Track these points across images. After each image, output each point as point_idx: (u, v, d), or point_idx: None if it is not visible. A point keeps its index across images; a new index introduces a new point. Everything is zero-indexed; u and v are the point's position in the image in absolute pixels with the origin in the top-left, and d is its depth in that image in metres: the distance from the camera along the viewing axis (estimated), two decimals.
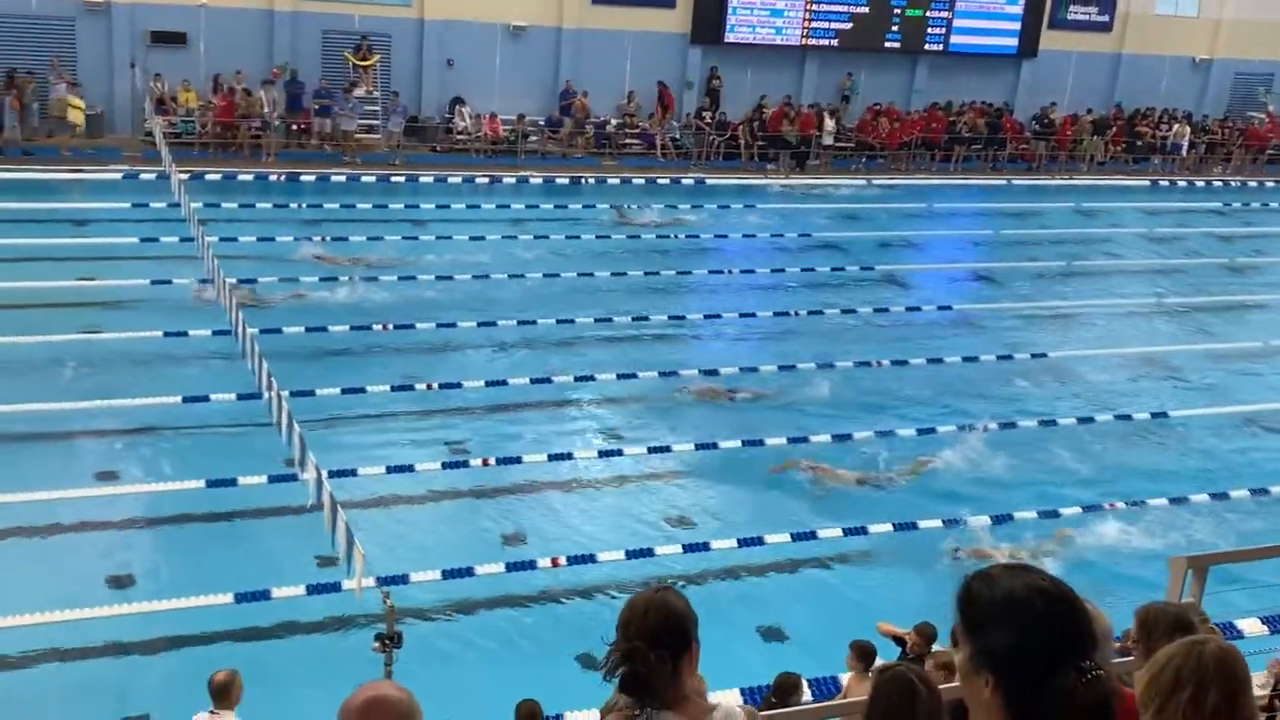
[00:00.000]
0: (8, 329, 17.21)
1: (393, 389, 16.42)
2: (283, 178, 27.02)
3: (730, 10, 33.53)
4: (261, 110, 28.28)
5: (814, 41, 34.68)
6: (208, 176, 25.62)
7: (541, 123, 31.76)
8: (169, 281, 19.47)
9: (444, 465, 14.58)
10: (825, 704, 8.44)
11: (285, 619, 11.23)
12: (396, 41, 30.70)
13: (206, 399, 15.49)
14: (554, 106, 32.13)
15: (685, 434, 15.98)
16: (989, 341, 20.88)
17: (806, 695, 9.08)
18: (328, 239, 22.77)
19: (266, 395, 13.48)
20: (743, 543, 13.12)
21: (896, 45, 35.60)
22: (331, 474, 11.34)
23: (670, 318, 20.75)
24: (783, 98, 33.83)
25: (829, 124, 33.42)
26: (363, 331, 18.47)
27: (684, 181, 30.48)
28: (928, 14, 35.49)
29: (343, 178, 27.34)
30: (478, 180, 28.65)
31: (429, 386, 16.66)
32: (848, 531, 13.55)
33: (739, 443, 15.65)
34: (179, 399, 15.47)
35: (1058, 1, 37.24)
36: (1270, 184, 36.12)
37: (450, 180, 28.31)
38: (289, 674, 9.92)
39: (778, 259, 24.88)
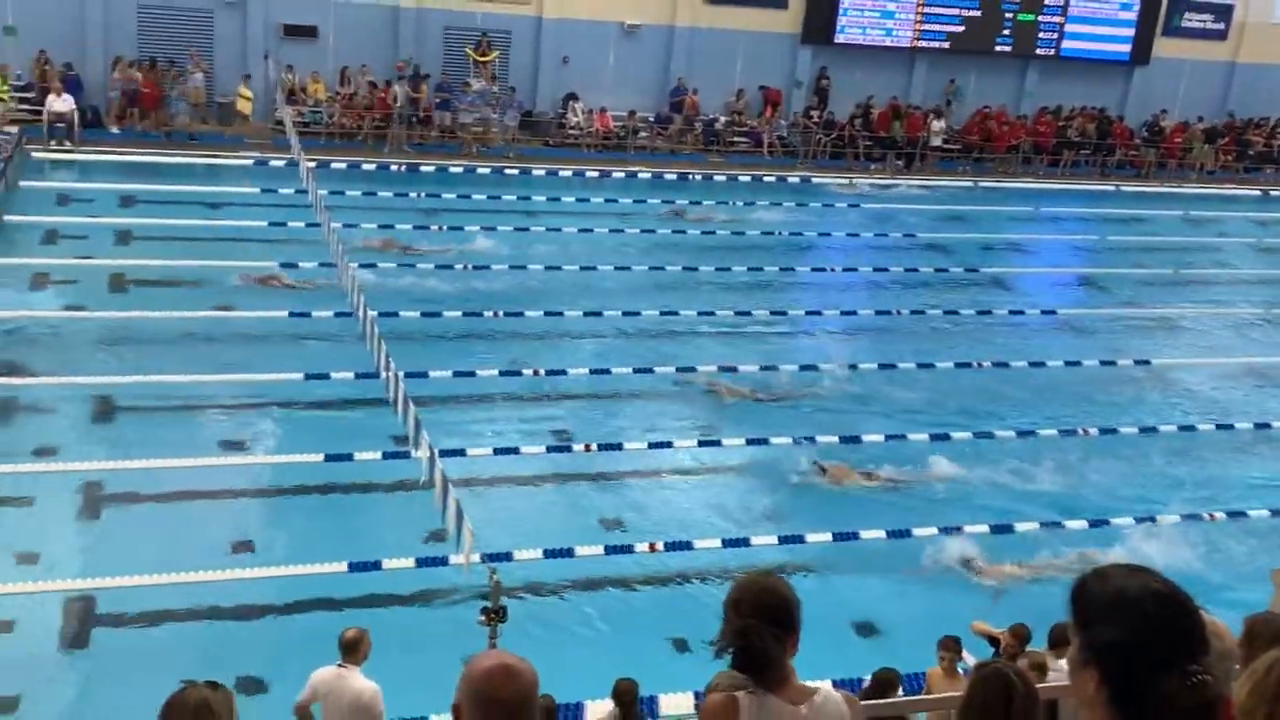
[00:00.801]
0: (146, 304, 17.84)
1: (501, 373, 16.63)
2: (403, 168, 27.50)
3: (841, 11, 33.21)
4: (395, 104, 28.76)
5: (924, 44, 34.18)
6: (333, 165, 26.19)
7: (651, 119, 31.84)
8: (295, 265, 19.97)
9: (548, 449, 14.73)
10: (920, 698, 8.35)
11: (394, 590, 11.46)
12: (515, 38, 31.02)
13: (327, 377, 15.84)
14: (664, 103, 32.18)
15: (783, 428, 15.89)
16: (1092, 346, 20.41)
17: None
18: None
19: (384, 375, 13.77)
20: (838, 537, 13.04)
21: (1008, 49, 34.91)
22: (442, 453, 11.53)
23: (772, 313, 20.66)
24: (890, 98, 33.43)
25: (937, 125, 32.93)
26: (475, 318, 18.74)
27: (789, 179, 30.30)
28: (1039, 18, 34.74)
29: (459, 169, 27.74)
30: (588, 174, 28.83)
31: (536, 372, 16.84)
32: (943, 530, 13.37)
33: (836, 439, 15.53)
34: (301, 376, 15.86)
35: (1172, 9, 36.15)
36: None
37: (561, 174, 28.54)
38: (398, 641, 10.10)
39: (881, 258, 24.62)
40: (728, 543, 12.80)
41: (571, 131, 30.96)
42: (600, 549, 12.50)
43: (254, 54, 28.78)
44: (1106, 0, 35.17)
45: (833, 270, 23.82)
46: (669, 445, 15.02)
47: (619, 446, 14.82)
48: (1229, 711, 3.09)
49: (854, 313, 21.18)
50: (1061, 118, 34.75)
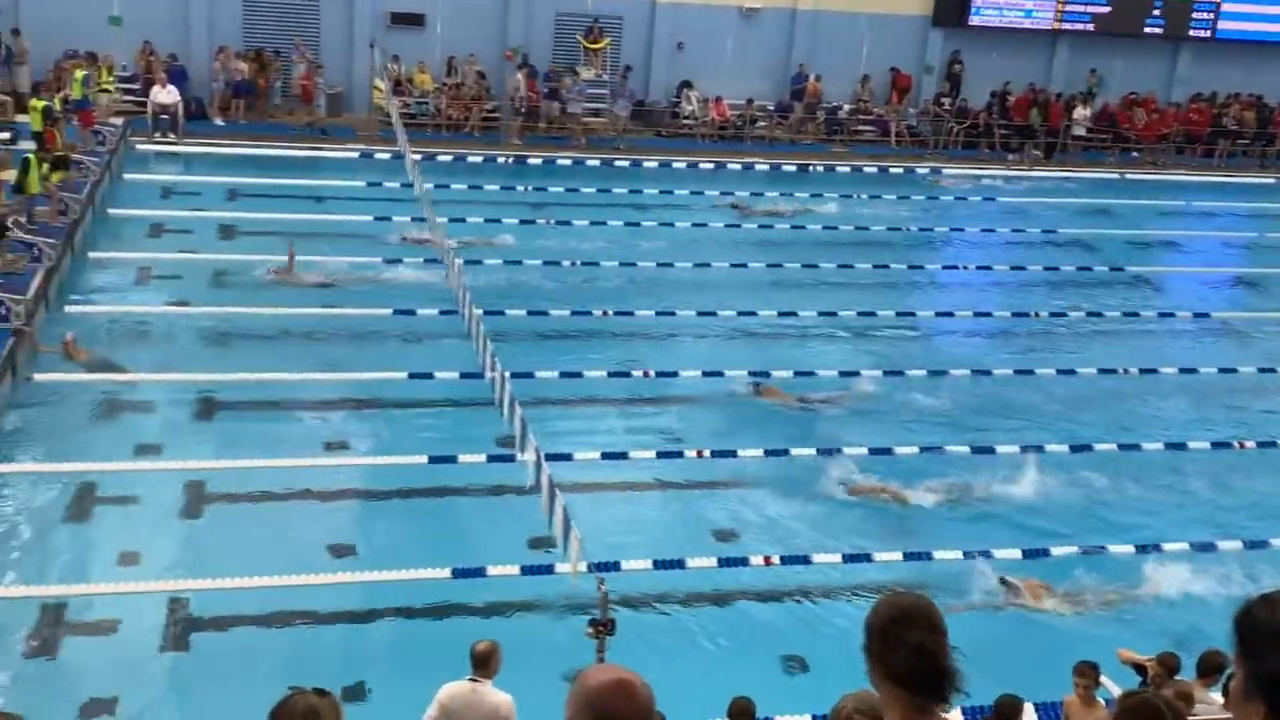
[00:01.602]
0: (249, 300, 18.34)
1: (610, 375, 16.71)
2: (510, 160, 27.83)
3: None
4: (516, 93, 29.09)
5: (1067, 25, 33.40)
6: (439, 158, 26.62)
7: (770, 107, 31.70)
8: (400, 261, 20.34)
9: (658, 454, 14.74)
10: None
11: (498, 597, 11.59)
12: (628, 24, 31.15)
13: (431, 376, 16.11)
14: (784, 91, 32.01)
15: (907, 436, 15.67)
16: (1249, 352, 19.73)
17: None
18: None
19: (489, 375, 13.94)
20: (968, 555, 12.80)
21: (1158, 31, 33.91)
22: (548, 457, 11.64)
23: (898, 314, 20.41)
24: (1028, 85, 32.76)
25: (1080, 112, 32.17)
26: (583, 316, 18.86)
27: (919, 170, 29.89)
28: None
29: (568, 161, 27.96)
30: (702, 166, 28.82)
31: (646, 374, 16.88)
32: (1085, 551, 13.04)
33: (967, 449, 15.27)
34: (405, 375, 16.15)
35: None
36: None
37: (674, 165, 28.58)
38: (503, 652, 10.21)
39: (1018, 255, 24.14)
40: (848, 558, 12.66)
41: (686, 121, 30.99)
42: (713, 561, 12.47)
43: (360, 44, 29.41)
44: None
45: (965, 268, 23.42)
46: (784, 453, 14.91)
47: (733, 454, 14.76)
48: None
49: (988, 314, 20.80)
50: (1217, 105, 33.65)
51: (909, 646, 3.18)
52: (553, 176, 26.95)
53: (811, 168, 29.36)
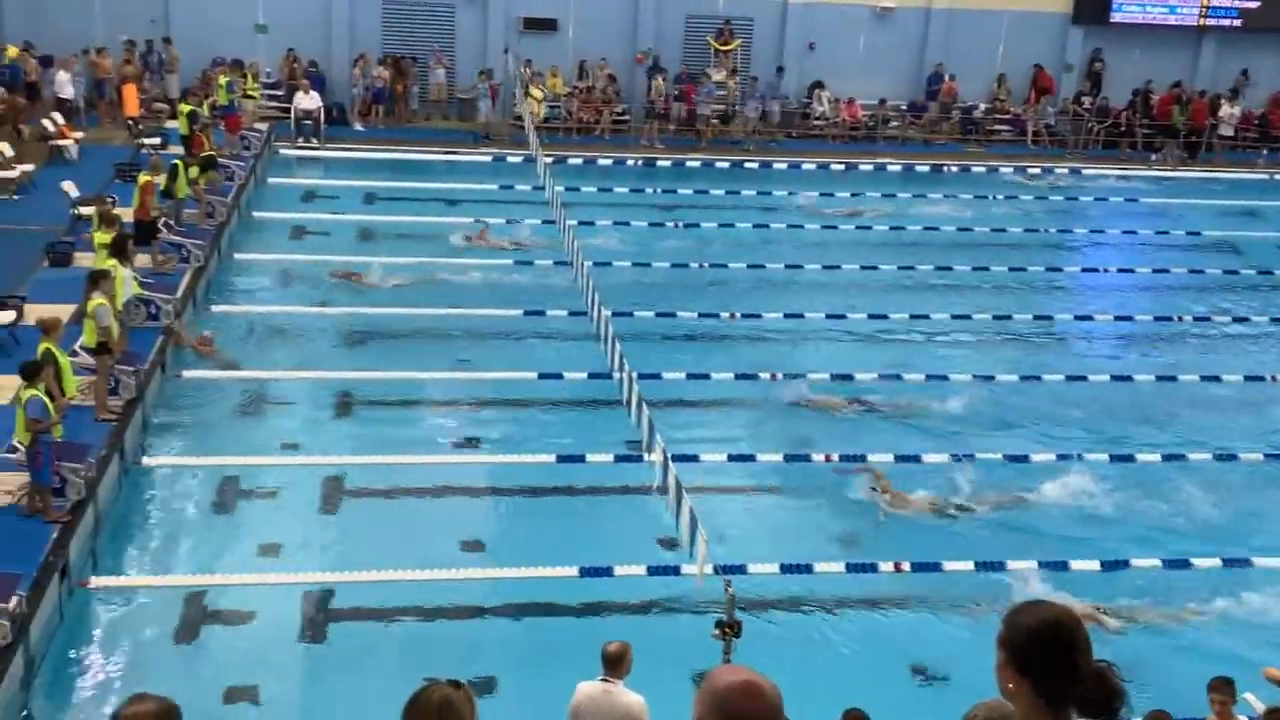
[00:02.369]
0: (383, 300, 18.77)
1: (737, 377, 16.65)
2: (639, 163, 27.95)
3: None
4: (659, 96, 29.21)
5: (1213, 21, 32.23)
6: (570, 161, 26.88)
7: (904, 107, 31.28)
8: (530, 263, 20.61)
9: (786, 457, 14.63)
10: None
11: (624, 597, 11.66)
12: (759, 25, 31.05)
13: (560, 376, 16.29)
14: (917, 90, 31.55)
15: (1042, 443, 15.31)
16: None
17: None
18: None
19: (617, 376, 14.05)
20: (1106, 566, 12.47)
21: None
22: (674, 457, 11.67)
23: (1035, 317, 19.95)
24: (1171, 83, 31.71)
25: (1227, 111, 31.02)
26: (710, 319, 18.85)
27: (1057, 170, 29.18)
28: None
29: (697, 163, 27.98)
30: (833, 167, 28.57)
31: (774, 376, 16.77)
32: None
33: (1106, 457, 14.85)
34: (535, 375, 16.36)
35: None
36: None
37: (804, 166, 28.39)
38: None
39: (1161, 258, 23.40)
40: (981, 565, 12.42)
41: (816, 122, 30.75)
42: (840, 566, 12.35)
43: (494, 49, 29.86)
44: None
45: (1105, 271, 22.79)
46: (917, 459, 14.69)
47: (862, 458, 14.59)
48: None
49: (1129, 318, 20.20)
50: None
51: (1076, 668, 3.05)
52: (682, 178, 26.99)
53: (946, 168, 28.88)
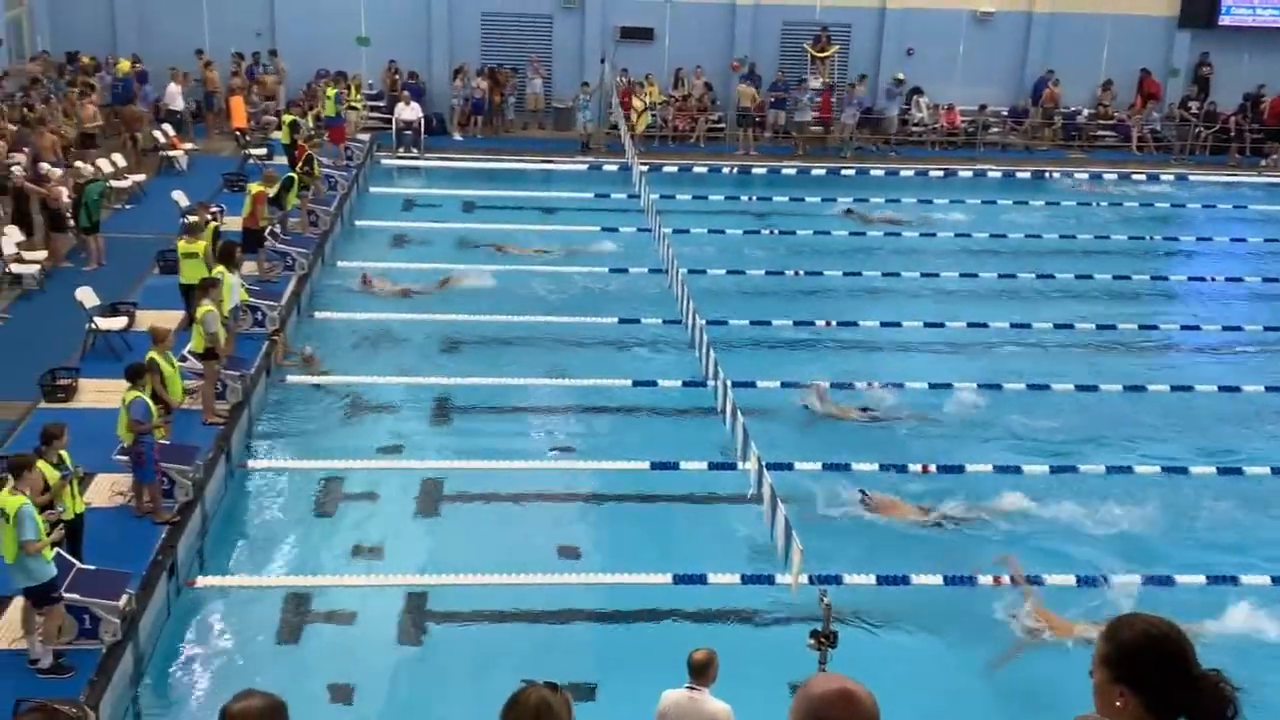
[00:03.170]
0: (480, 307, 18.97)
1: (832, 385, 16.50)
2: (734, 170, 27.91)
3: None
4: (752, 102, 29.19)
5: None
6: (665, 169, 26.94)
7: (1004, 113, 30.81)
8: (625, 270, 20.69)
9: (881, 467, 14.47)
10: None
11: (718, 605, 11.64)
12: (856, 31, 30.84)
13: (654, 384, 16.33)
14: (1018, 96, 31.07)
15: (1148, 455, 14.96)
16: None
17: None
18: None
19: (711, 384, 14.04)
20: (1212, 579, 12.14)
21: None
22: (769, 466, 11.62)
23: (1140, 326, 19.50)
24: None
25: None
26: (805, 326, 18.73)
27: (1162, 177, 28.52)
28: None
29: (792, 171, 27.85)
30: (931, 174, 28.25)
31: (869, 385, 16.62)
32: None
33: (1213, 469, 14.46)
34: (629, 382, 16.42)
35: None
36: None
37: (902, 173, 28.11)
38: (721, 658, 10.24)
39: (1271, 266, 22.72)
40: (1083, 580, 12.16)
41: (915, 128, 30.43)
42: (939, 579, 12.18)
43: (590, 58, 30.06)
44: None
45: (1213, 280, 22.19)
46: (1017, 470, 14.44)
47: (960, 469, 14.40)
48: None
49: (1238, 328, 19.64)
50: None
51: (1191, 679, 2.97)
52: (777, 186, 26.88)
53: (1048, 174, 28.39)
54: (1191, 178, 28.59)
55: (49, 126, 21.78)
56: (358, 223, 23.19)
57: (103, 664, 9.85)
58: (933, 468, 14.41)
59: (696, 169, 27.72)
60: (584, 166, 27.46)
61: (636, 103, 28.83)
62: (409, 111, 27.61)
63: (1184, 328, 19.76)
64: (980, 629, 11.51)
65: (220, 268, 15.48)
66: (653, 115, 29.50)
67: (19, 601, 10.03)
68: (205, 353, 13.96)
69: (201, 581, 11.82)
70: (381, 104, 28.99)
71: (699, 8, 30.32)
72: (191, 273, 15.97)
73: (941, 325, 18.90)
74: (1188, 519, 13.54)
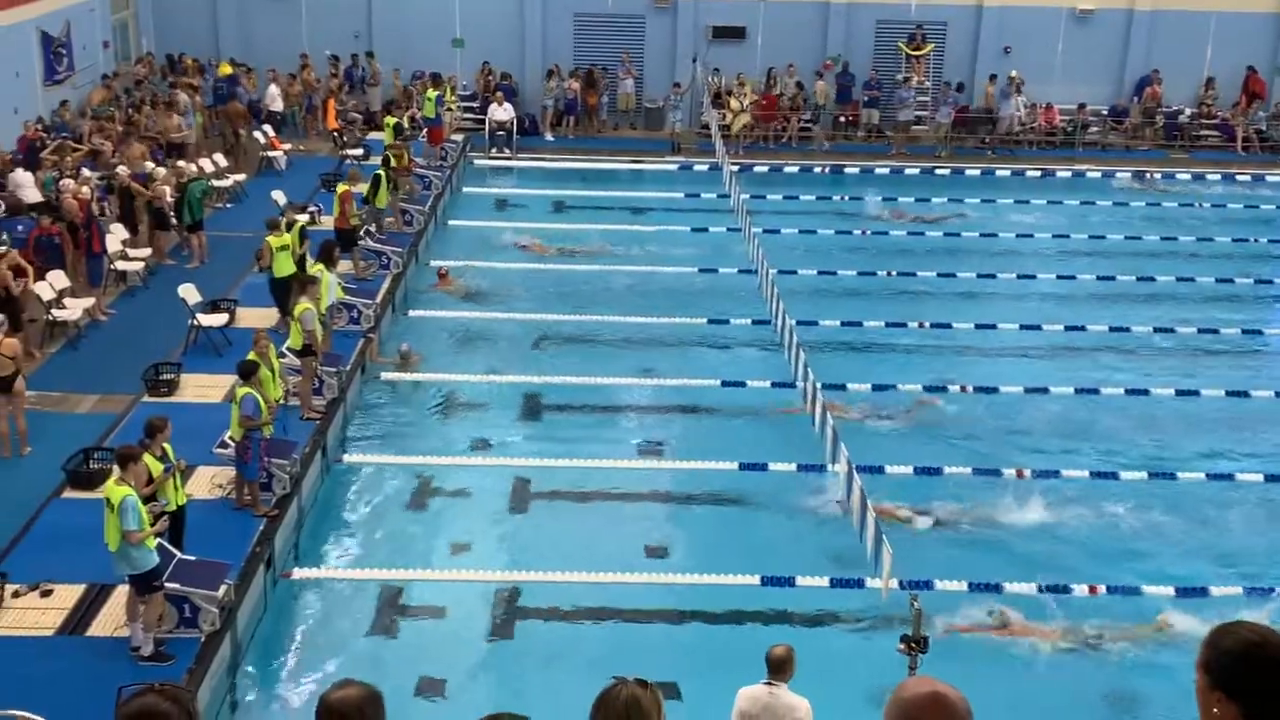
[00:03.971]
0: (564, 308, 19.09)
1: (925, 389, 16.34)
2: (827, 169, 27.73)
3: None
4: (825, 101, 29.04)
5: None
6: (756, 169, 26.86)
7: (1104, 112, 30.21)
8: (715, 270, 20.67)
9: (974, 471, 14.29)
10: None
11: (806, 608, 11.59)
12: (952, 29, 30.45)
13: (743, 384, 16.30)
14: (1117, 94, 30.42)
15: (1243, 462, 14.59)
16: None
17: None
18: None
19: (800, 385, 13.98)
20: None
21: None
22: (859, 469, 11.54)
23: (1244, 331, 19.00)
24: None
25: None
26: (898, 328, 18.54)
27: (1269, 178, 27.75)
28: None
29: (886, 170, 27.60)
30: (1028, 174, 27.80)
31: (963, 388, 16.41)
32: None
33: None
34: (718, 382, 16.41)
35: None
36: None
37: (998, 173, 27.70)
38: (807, 662, 10.19)
39: None
40: (1182, 591, 11.89)
41: (1017, 129, 29.93)
42: (1031, 587, 11.98)
43: (682, 58, 30.07)
44: None
45: None
46: (1114, 476, 14.16)
47: (1055, 474, 14.15)
48: None
49: None
50: None
51: None
52: (869, 186, 26.65)
53: (1149, 175, 27.78)
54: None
55: (140, 135, 22.32)
56: (451, 222, 23.46)
57: (201, 653, 10.12)
58: (1027, 473, 14.19)
59: (788, 169, 27.57)
60: (674, 166, 27.48)
61: (734, 103, 28.76)
62: (502, 112, 27.86)
63: None
64: (1068, 636, 11.33)
65: (319, 266, 15.80)
66: (745, 114, 29.41)
67: (124, 589, 10.34)
68: (303, 349, 14.25)
69: (298, 574, 12.07)
70: (475, 105, 29.31)
71: (791, 6, 30.16)
72: (284, 265, 16.32)
73: (1038, 328, 18.59)
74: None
